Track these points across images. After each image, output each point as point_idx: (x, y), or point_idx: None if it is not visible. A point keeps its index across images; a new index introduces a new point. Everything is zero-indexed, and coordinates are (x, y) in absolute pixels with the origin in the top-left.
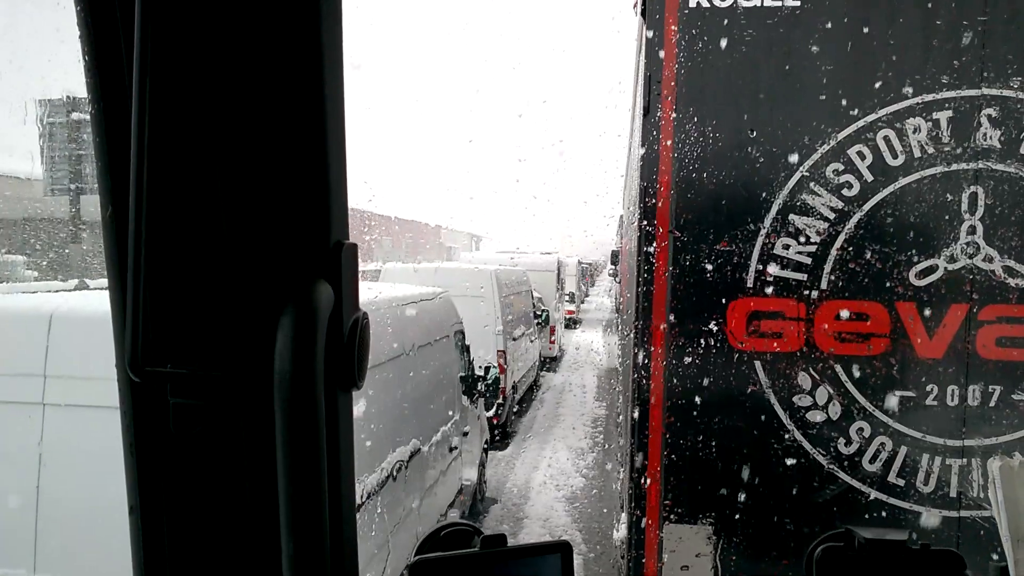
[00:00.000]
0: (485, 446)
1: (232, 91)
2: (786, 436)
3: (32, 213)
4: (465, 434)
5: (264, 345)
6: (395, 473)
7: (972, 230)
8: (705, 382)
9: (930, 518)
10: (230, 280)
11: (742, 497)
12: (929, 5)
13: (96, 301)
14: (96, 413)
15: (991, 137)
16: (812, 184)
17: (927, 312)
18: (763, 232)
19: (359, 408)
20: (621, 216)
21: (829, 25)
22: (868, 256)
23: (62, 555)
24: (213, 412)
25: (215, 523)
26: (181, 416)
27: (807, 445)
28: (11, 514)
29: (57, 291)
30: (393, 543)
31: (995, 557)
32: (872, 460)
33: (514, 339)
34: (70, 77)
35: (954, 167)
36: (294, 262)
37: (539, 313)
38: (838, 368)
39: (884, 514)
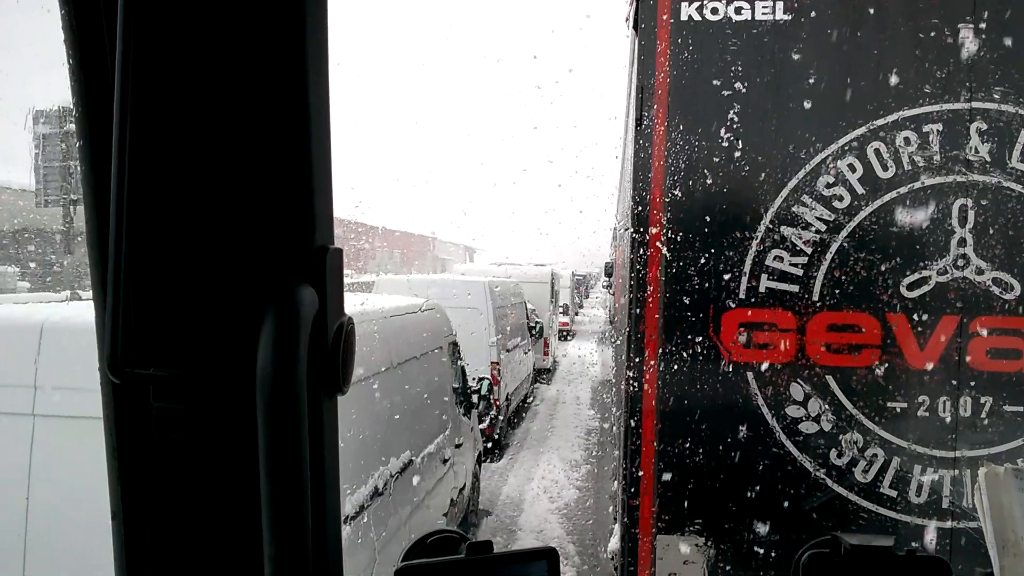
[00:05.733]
0: (479, 458)
1: (216, 92)
2: (777, 446)
3: (26, 224)
4: (458, 446)
5: (248, 349)
6: (386, 486)
7: (962, 242)
8: (696, 392)
9: (923, 529)
10: (213, 282)
11: (733, 507)
12: (917, 18)
13: (87, 312)
14: (87, 424)
15: (980, 149)
16: (803, 196)
17: (918, 323)
18: (754, 243)
19: (347, 420)
20: (614, 228)
21: (819, 38)
22: (859, 268)
23: (51, 567)
24: (196, 417)
25: (198, 529)
26: (164, 420)
27: (799, 455)
28: (0, 526)
29: (49, 302)
30: (383, 557)
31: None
32: (864, 471)
33: (508, 351)
34: (64, 87)
35: (944, 179)
36: (278, 266)
37: (533, 325)
38: (829, 379)
39: (876, 525)
